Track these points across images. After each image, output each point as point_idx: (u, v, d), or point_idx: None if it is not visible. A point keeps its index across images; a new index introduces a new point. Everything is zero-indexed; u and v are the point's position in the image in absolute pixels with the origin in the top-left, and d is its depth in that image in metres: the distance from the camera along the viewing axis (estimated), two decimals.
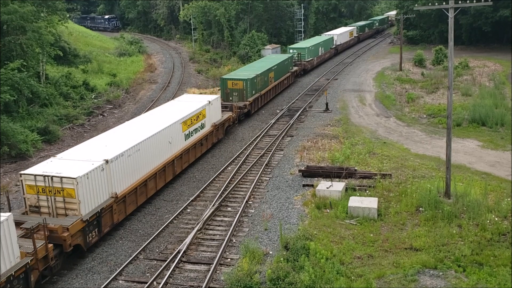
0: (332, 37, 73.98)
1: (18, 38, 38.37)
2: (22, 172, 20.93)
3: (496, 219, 21.55)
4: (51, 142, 36.58)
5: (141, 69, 64.93)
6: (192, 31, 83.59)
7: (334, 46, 74.22)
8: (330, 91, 50.08)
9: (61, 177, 20.02)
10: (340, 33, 78.27)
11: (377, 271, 18.52)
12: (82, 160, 21.73)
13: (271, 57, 55.02)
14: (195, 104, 31.95)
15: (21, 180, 20.71)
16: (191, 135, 30.32)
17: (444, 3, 22.97)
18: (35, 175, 20.37)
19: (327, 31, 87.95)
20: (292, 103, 46.48)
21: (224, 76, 43.17)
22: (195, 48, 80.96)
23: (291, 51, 61.02)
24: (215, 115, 34.14)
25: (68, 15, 50.21)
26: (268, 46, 72.37)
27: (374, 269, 18.67)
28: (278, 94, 50.07)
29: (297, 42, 77.47)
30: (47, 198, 20.41)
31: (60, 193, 20.13)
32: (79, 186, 19.91)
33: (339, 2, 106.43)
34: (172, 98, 42.85)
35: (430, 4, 26.88)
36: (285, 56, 54.26)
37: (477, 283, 17.46)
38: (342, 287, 17.32)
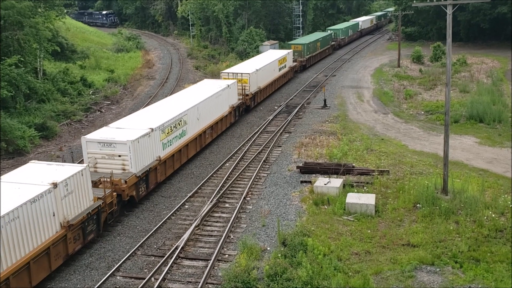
0: (358, 23, 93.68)
1: (15, 34, 38.20)
2: (221, 72, 43.51)
3: (493, 215, 21.62)
4: (49, 138, 36.46)
5: (139, 65, 64.71)
6: (190, 27, 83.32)
7: (359, 30, 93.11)
8: (328, 87, 50.08)
9: (242, 73, 41.36)
10: (364, 20, 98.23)
11: (375, 267, 18.58)
12: (245, 68, 43.83)
13: (318, 33, 75.95)
14: (282, 53, 53.84)
15: (220, 76, 42.80)
16: (280, 70, 51.61)
17: None
18: (228, 73, 41.89)
19: (325, 27, 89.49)
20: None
21: (289, 42, 67.66)
22: (193, 44, 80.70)
23: (329, 31, 78.33)
24: (290, 62, 55.50)
25: (65, 11, 50.01)
26: (266, 42, 72.28)
27: (372, 265, 18.73)
28: (322, 58, 70.56)
29: (295, 38, 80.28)
30: None
31: (240, 81, 40.62)
32: (250, 78, 41.44)
33: None
34: (170, 94, 44.15)
35: (428, 0, 26.86)
36: (327, 33, 74.84)
37: (474, 279, 17.53)
38: (340, 284, 17.35)
